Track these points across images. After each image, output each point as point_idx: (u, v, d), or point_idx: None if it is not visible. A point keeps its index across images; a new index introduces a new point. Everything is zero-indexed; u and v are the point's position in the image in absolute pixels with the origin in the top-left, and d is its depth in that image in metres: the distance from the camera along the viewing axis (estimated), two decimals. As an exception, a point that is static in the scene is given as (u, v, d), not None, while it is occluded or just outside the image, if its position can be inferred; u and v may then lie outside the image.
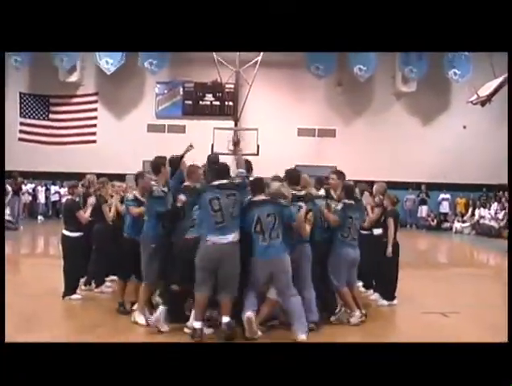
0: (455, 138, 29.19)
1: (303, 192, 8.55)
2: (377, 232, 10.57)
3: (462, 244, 24.91)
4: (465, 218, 28.85)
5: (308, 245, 8.32)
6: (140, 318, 8.38)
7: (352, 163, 25.55)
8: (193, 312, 7.91)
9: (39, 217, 28.23)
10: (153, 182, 8.36)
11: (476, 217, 27.82)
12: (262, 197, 7.92)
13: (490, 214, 26.97)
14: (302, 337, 7.60)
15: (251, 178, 8.48)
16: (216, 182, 7.76)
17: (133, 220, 8.91)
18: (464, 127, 29.22)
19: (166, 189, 8.43)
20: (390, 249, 10.01)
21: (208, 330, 7.90)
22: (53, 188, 29.42)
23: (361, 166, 26.91)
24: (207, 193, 7.70)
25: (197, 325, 7.67)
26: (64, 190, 28.53)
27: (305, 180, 9.10)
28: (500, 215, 25.97)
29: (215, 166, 8.20)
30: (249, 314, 7.66)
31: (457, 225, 28.49)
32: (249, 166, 9.20)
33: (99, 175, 11.65)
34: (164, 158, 8.66)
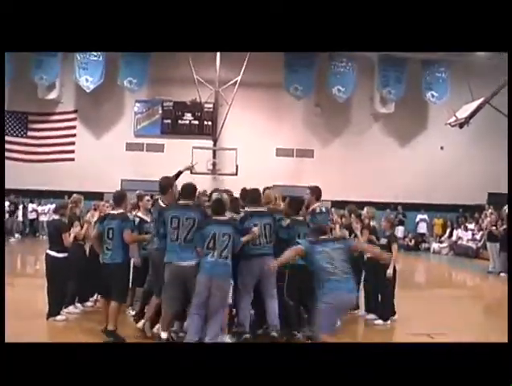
0: (432, 159, 29.48)
1: (259, 208, 8.77)
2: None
3: (441, 265, 24.95)
4: (443, 238, 28.93)
5: (272, 257, 8.35)
6: (148, 331, 8.57)
7: (330, 184, 25.29)
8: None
9: (16, 235, 27.88)
10: (162, 204, 8.59)
11: (454, 238, 27.92)
12: (221, 217, 8.21)
13: (467, 235, 27.05)
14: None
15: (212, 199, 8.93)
16: (180, 202, 8.36)
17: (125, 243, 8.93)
18: (442, 148, 29.58)
19: None
20: (391, 271, 10.27)
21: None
22: (30, 206, 29.04)
23: (339, 186, 26.96)
24: (170, 211, 8.19)
25: (164, 335, 8.13)
26: (41, 208, 28.36)
27: (268, 196, 9.30)
28: (477, 236, 26.04)
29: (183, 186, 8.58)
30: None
31: (435, 246, 28.56)
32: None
33: (77, 193, 11.54)
34: (172, 178, 8.95)
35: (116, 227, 8.82)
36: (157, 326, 8.63)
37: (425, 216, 30.10)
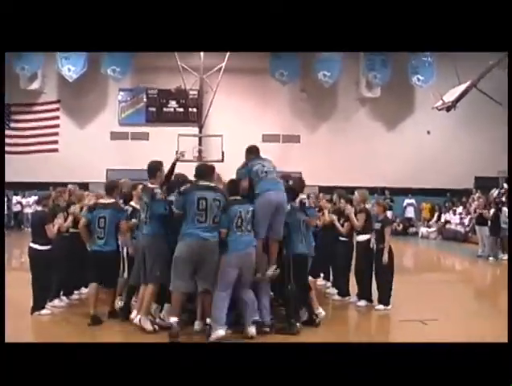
0: (419, 143, 29.35)
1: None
2: (363, 238, 10.71)
3: (430, 250, 24.93)
4: (431, 223, 28.93)
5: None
6: (147, 324, 8.35)
7: (317, 169, 25.68)
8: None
9: (0, 229, 27.50)
10: (153, 186, 8.58)
11: (442, 222, 27.88)
12: (239, 197, 8.40)
13: (456, 219, 26.99)
14: (252, 331, 8.08)
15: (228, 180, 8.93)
16: (205, 183, 8.22)
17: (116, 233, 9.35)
18: (429, 132, 29.31)
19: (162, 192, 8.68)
20: (386, 256, 10.22)
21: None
22: (15, 198, 28.81)
23: (326, 171, 27.05)
24: (196, 192, 8.06)
25: (174, 320, 7.94)
26: (25, 201, 28.05)
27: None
28: (466, 221, 25.96)
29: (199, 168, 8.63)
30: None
31: (423, 230, 28.57)
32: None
33: (62, 184, 11.38)
34: (160, 162, 8.89)
35: (108, 216, 9.12)
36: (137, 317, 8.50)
37: (412, 201, 30.06)
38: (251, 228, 8.19)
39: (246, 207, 8.18)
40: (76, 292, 10.98)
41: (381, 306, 10.34)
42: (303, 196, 9.50)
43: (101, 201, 9.56)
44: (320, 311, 9.25)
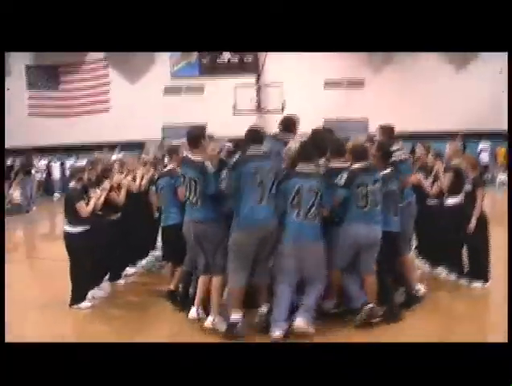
0: (491, 83, 27.32)
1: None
2: (453, 201, 9.17)
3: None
4: (508, 169, 27.14)
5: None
6: (221, 324, 7.22)
7: (383, 114, 23.88)
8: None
9: (55, 194, 26.87)
10: (200, 159, 7.20)
11: (522, 169, 26.08)
12: (308, 169, 7.08)
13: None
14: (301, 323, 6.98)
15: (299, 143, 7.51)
16: (254, 152, 7.07)
17: (179, 203, 8.10)
18: (501, 72, 27.38)
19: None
20: (473, 225, 8.71)
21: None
22: (68, 162, 27.95)
23: (392, 116, 24.92)
24: (251, 163, 6.92)
25: (236, 317, 7.03)
26: (79, 164, 27.30)
27: None
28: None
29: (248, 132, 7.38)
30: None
31: (501, 177, 26.73)
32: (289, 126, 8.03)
33: (115, 145, 10.30)
34: (203, 127, 7.86)
35: (166, 185, 8.44)
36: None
37: (487, 145, 28.25)
38: (316, 214, 6.93)
39: (312, 184, 6.93)
40: (123, 273, 10.02)
41: (478, 283, 8.90)
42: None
43: (163, 170, 8.86)
44: (419, 287, 8.25)
